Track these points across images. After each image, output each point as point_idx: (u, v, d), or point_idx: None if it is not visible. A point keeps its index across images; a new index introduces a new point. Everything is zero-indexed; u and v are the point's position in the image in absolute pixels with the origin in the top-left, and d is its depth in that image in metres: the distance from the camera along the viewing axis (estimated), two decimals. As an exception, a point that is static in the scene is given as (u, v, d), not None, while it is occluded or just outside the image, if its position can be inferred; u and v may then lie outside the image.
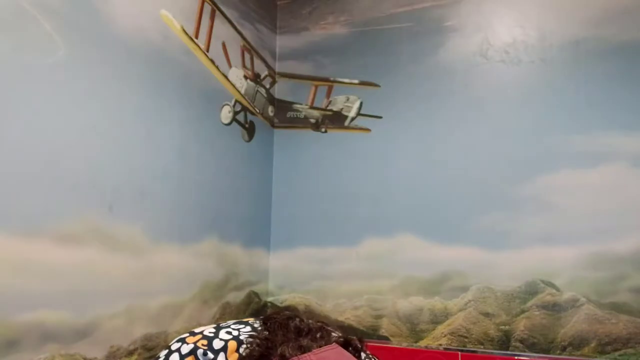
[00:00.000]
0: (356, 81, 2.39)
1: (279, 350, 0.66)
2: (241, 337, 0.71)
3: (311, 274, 2.32)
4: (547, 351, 1.89)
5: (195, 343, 0.71)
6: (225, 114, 2.16)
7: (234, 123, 2.22)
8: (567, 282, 1.90)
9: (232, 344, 0.71)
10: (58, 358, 1.38)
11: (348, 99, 2.40)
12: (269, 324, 0.72)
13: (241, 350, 0.70)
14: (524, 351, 1.91)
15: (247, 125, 2.32)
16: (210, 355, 0.69)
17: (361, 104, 2.36)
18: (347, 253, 2.26)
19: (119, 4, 1.63)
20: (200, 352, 0.69)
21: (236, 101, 2.23)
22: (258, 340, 0.68)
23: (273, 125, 2.52)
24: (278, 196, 2.49)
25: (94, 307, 1.49)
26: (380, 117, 2.31)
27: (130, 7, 1.68)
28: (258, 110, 2.40)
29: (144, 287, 1.68)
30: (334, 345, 0.65)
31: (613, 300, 1.83)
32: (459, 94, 2.17)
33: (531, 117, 2.03)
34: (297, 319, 0.72)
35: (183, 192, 1.89)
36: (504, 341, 1.95)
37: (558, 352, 1.87)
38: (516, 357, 1.91)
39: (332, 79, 2.44)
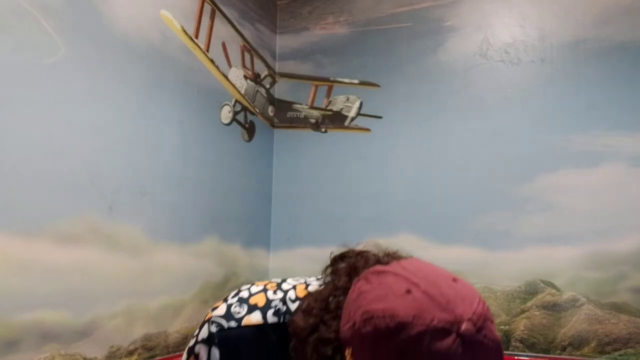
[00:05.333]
0: (356, 81, 2.39)
1: (371, 261, 0.66)
2: (308, 282, 0.72)
3: (311, 274, 2.31)
4: (547, 351, 1.89)
5: (264, 285, 0.73)
6: (225, 114, 2.16)
7: (234, 123, 2.22)
8: (567, 282, 1.90)
9: (301, 285, 0.72)
10: (58, 358, 1.38)
11: (348, 99, 2.40)
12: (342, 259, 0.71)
13: (313, 284, 0.70)
14: (524, 351, 1.91)
15: (247, 125, 2.32)
16: (280, 293, 0.71)
17: (361, 104, 2.36)
18: (347, 253, 2.25)
19: (119, 4, 1.63)
20: (270, 292, 0.71)
21: (236, 101, 2.23)
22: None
23: (273, 125, 2.52)
24: (278, 196, 2.49)
25: (94, 307, 1.49)
26: (380, 117, 2.31)
27: (130, 7, 1.68)
28: (258, 110, 2.40)
29: (143, 287, 1.68)
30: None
31: (613, 300, 1.83)
32: (459, 94, 2.17)
33: (531, 117, 2.03)
34: (371, 252, 0.71)
35: (183, 192, 1.89)
36: (504, 341, 1.95)
37: (558, 352, 1.87)
38: (516, 357, 1.91)
39: (332, 79, 2.44)
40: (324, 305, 0.63)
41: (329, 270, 0.70)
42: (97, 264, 1.51)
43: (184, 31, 1.91)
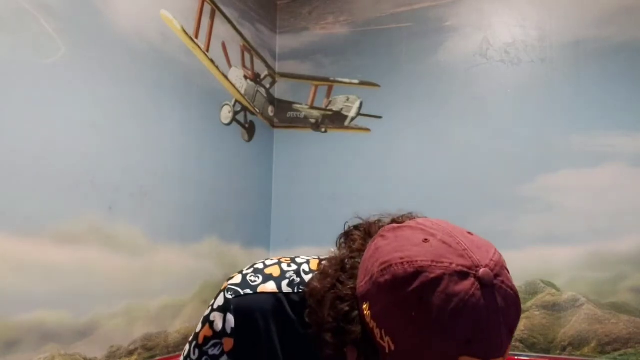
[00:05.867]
0: (356, 81, 2.39)
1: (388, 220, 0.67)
2: (322, 257, 0.72)
3: (311, 274, 2.31)
4: (547, 351, 1.89)
5: (279, 259, 0.74)
6: (225, 114, 2.16)
7: (234, 123, 2.22)
8: (567, 282, 1.90)
9: (315, 260, 0.73)
10: (58, 358, 1.38)
11: (348, 99, 2.40)
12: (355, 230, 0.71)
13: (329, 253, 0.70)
14: (524, 351, 1.91)
15: (247, 125, 2.32)
16: (294, 265, 0.72)
17: (361, 104, 2.36)
18: (347, 253, 2.25)
19: (119, 4, 1.63)
20: (284, 264, 0.73)
21: (236, 101, 2.23)
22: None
23: (273, 125, 2.52)
24: (278, 196, 2.49)
25: (94, 307, 1.49)
26: (380, 117, 2.31)
27: (130, 7, 1.68)
28: (258, 110, 2.40)
29: (143, 287, 1.68)
30: None
31: (613, 300, 1.83)
32: (459, 94, 2.17)
33: (531, 117, 2.03)
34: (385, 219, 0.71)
35: (183, 192, 1.89)
36: (504, 341, 1.95)
37: (558, 352, 1.87)
38: (516, 357, 1.91)
39: (332, 79, 2.44)
40: (340, 266, 0.63)
41: (342, 239, 0.70)
42: (97, 264, 1.51)
43: (184, 31, 1.91)
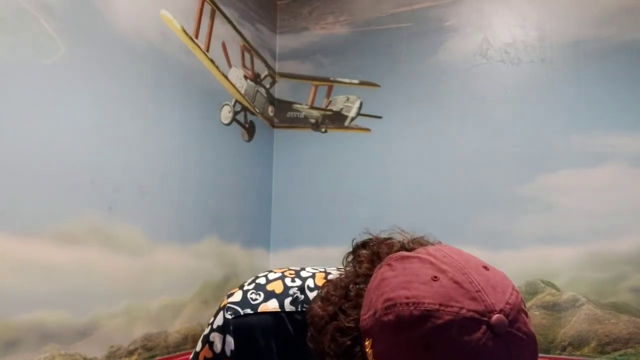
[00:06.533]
0: (356, 81, 2.39)
1: (396, 247, 0.63)
2: (328, 270, 0.70)
3: (311, 274, 2.31)
4: (547, 351, 1.89)
5: (282, 272, 0.71)
6: (225, 114, 2.16)
7: (234, 123, 2.22)
8: (567, 282, 1.90)
9: (320, 274, 0.70)
10: (58, 358, 1.38)
11: (348, 99, 2.40)
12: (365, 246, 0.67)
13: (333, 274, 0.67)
14: (524, 351, 1.91)
15: (247, 125, 2.32)
16: (298, 281, 0.69)
17: (361, 104, 2.36)
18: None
19: (119, 4, 1.63)
20: (288, 279, 0.69)
21: (236, 101, 2.23)
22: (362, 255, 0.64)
23: (273, 125, 2.52)
24: (278, 196, 2.48)
25: (94, 307, 1.49)
26: (380, 117, 2.31)
27: (130, 7, 1.68)
28: (258, 110, 2.40)
29: (144, 287, 1.68)
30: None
31: (613, 300, 1.83)
32: (459, 94, 2.16)
33: (531, 117, 2.03)
34: (395, 239, 0.67)
35: (183, 192, 1.89)
36: (504, 341, 1.95)
37: (558, 352, 1.87)
38: (516, 357, 1.90)
39: (332, 79, 2.44)
40: (344, 292, 0.59)
41: (350, 258, 0.66)
42: (97, 264, 1.51)
43: (184, 31, 1.91)
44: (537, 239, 1.95)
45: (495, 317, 0.46)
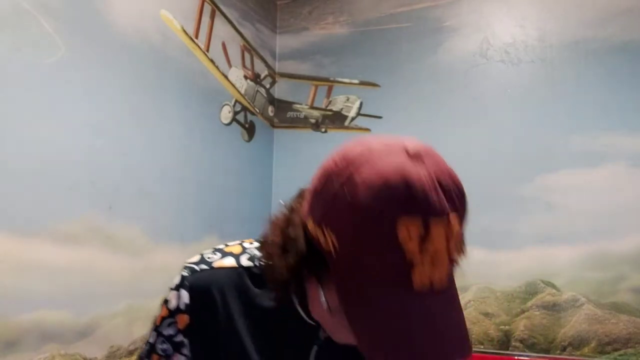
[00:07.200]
0: (356, 81, 2.39)
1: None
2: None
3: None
4: (547, 351, 1.89)
5: (242, 241, 0.72)
6: (225, 114, 2.16)
7: (234, 123, 2.22)
8: (567, 282, 1.90)
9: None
10: (58, 358, 1.38)
11: (348, 99, 2.40)
12: None
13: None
14: (524, 351, 1.91)
15: (247, 125, 2.32)
16: (256, 244, 0.70)
17: (361, 104, 2.36)
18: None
19: (119, 4, 1.63)
20: (246, 243, 0.71)
21: (236, 101, 2.23)
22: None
23: (273, 125, 2.52)
24: (278, 196, 2.48)
25: (94, 307, 1.49)
26: (380, 117, 2.31)
27: (130, 7, 1.68)
28: (258, 110, 2.40)
29: (144, 287, 1.68)
30: None
31: (613, 300, 1.83)
32: (459, 94, 2.17)
33: (531, 117, 2.03)
34: None
35: (183, 192, 1.89)
36: (504, 341, 1.95)
37: (558, 352, 1.87)
38: (516, 357, 1.91)
39: (332, 79, 2.44)
40: (284, 216, 0.64)
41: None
42: (97, 264, 1.51)
43: (184, 31, 1.91)
44: (537, 239, 1.95)
45: (411, 146, 0.53)
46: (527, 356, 1.90)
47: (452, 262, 0.52)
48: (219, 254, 0.68)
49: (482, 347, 1.97)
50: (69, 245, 1.42)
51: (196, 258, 0.68)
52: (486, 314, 1.99)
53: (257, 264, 0.66)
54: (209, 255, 0.68)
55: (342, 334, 0.55)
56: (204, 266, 0.66)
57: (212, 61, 2.06)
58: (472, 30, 2.18)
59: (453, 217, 0.51)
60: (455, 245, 0.51)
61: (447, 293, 0.53)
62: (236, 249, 0.69)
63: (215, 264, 0.66)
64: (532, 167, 1.99)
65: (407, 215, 0.47)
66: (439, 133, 2.18)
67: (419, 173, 0.49)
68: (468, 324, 2.20)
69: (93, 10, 1.54)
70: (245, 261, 0.67)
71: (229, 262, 0.67)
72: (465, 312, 2.28)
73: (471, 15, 2.19)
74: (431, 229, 0.48)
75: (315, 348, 0.64)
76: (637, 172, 1.85)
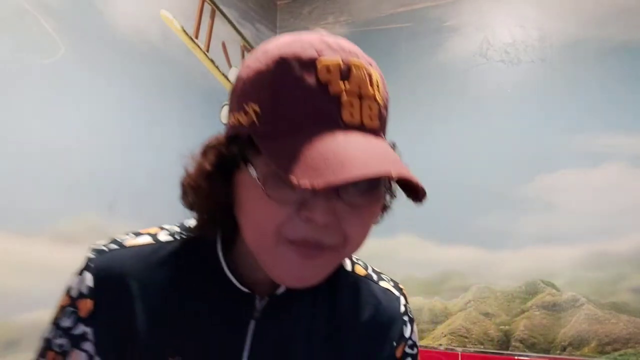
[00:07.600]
0: (356, 81, 2.38)
1: None
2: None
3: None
4: (547, 351, 1.89)
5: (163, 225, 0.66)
6: (226, 114, 2.16)
7: (234, 123, 2.22)
8: (567, 282, 1.90)
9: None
10: (58, 358, 1.38)
11: (348, 99, 2.39)
12: None
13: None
14: (524, 351, 1.91)
15: (247, 125, 2.31)
16: (178, 224, 0.67)
17: (361, 104, 2.36)
18: (347, 253, 2.25)
19: (119, 4, 1.63)
20: (166, 225, 0.67)
21: (236, 101, 2.23)
22: None
23: (273, 125, 2.52)
24: (278, 196, 2.48)
25: (94, 307, 1.49)
26: (380, 117, 2.31)
27: (130, 7, 1.68)
28: (258, 110, 2.39)
29: (144, 287, 1.68)
30: None
31: (613, 300, 1.83)
32: (459, 94, 2.16)
33: (531, 117, 2.03)
34: None
35: (183, 192, 1.88)
36: (504, 341, 1.95)
37: (558, 352, 1.87)
38: (516, 357, 1.91)
39: (332, 79, 2.44)
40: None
41: None
42: (97, 264, 1.50)
43: (184, 31, 1.91)
44: (536, 239, 1.95)
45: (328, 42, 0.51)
46: (527, 356, 1.90)
47: (378, 105, 0.50)
48: (132, 235, 0.62)
49: (482, 347, 1.97)
50: (69, 245, 1.42)
51: (106, 240, 0.61)
52: (486, 314, 1.99)
53: (177, 237, 0.61)
54: (121, 236, 0.61)
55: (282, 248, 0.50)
56: (113, 246, 0.59)
57: (212, 61, 2.06)
58: (472, 30, 2.18)
59: (372, 69, 0.51)
60: (379, 89, 0.51)
61: (379, 136, 0.52)
62: (154, 230, 0.64)
63: (128, 243, 0.60)
64: (532, 167, 1.99)
65: (324, 56, 0.48)
66: (439, 133, 2.18)
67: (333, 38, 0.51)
68: (468, 324, 2.19)
69: (93, 11, 1.54)
70: (164, 237, 0.61)
71: (144, 239, 0.61)
72: (465, 312, 2.27)
73: (471, 15, 2.19)
74: (351, 67, 0.48)
75: (252, 323, 0.56)
76: (637, 172, 1.85)
